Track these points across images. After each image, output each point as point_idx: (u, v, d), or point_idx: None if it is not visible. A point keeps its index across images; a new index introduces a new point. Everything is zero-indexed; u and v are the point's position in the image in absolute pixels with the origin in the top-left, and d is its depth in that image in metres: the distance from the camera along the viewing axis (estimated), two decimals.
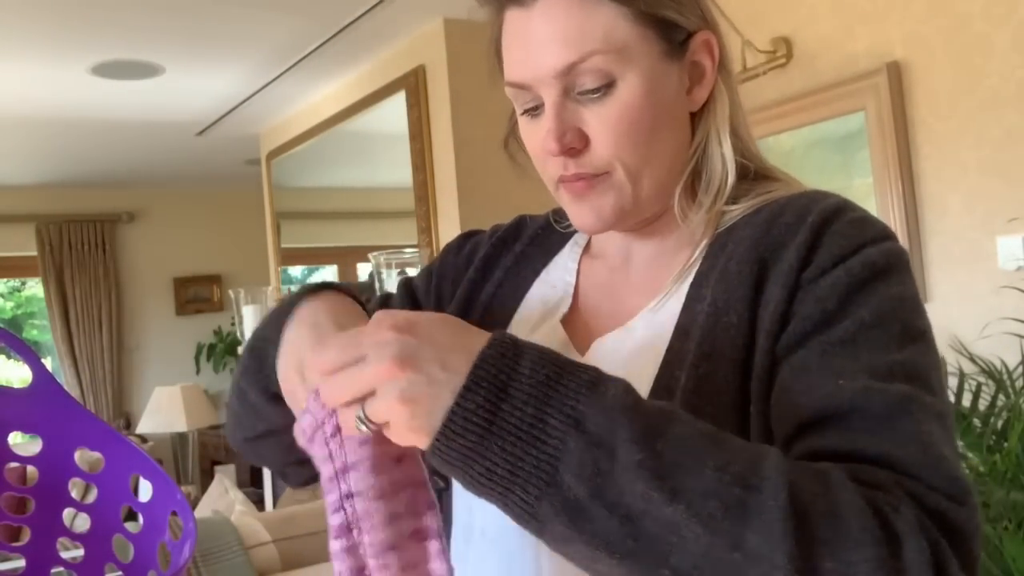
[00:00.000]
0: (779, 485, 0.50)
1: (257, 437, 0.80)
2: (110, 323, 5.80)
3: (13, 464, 0.74)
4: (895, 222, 2.21)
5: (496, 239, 0.88)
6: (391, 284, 2.71)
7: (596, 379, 0.54)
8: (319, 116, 3.91)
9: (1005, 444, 1.75)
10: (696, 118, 0.75)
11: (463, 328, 0.57)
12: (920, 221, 2.21)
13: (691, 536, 0.49)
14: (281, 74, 3.58)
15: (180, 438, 5.51)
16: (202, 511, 3.19)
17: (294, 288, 3.94)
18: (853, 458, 0.56)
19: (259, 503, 3.90)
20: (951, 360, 1.99)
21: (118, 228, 5.98)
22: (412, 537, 0.58)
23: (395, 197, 3.42)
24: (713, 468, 0.51)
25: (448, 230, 3.13)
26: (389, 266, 2.73)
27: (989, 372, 1.94)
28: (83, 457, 0.81)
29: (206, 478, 5.28)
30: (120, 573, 0.72)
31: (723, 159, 0.73)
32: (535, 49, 0.69)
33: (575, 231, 0.85)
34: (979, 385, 1.91)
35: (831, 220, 0.66)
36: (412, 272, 2.74)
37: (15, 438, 0.75)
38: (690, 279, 0.72)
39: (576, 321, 0.78)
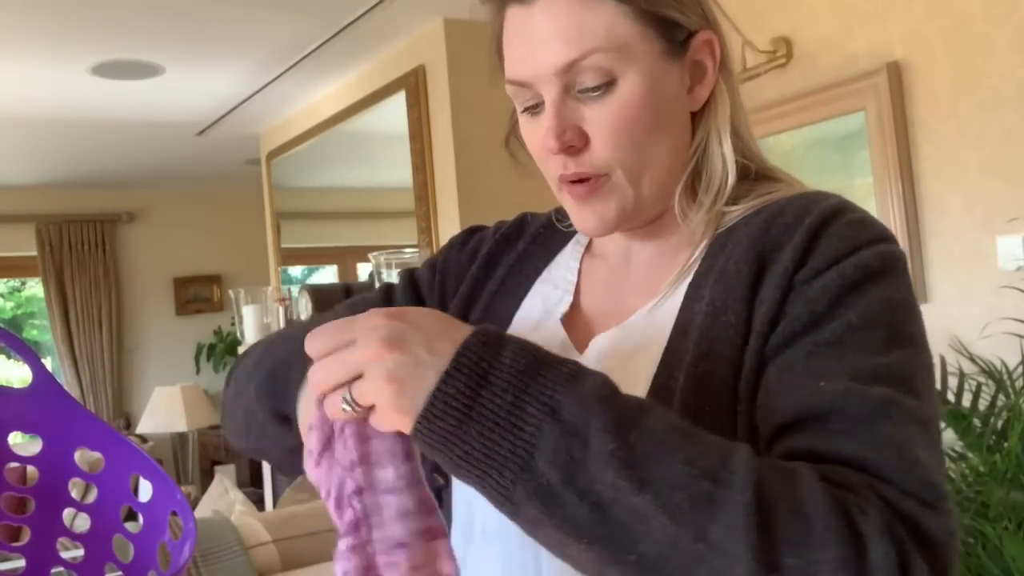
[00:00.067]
0: (746, 480, 0.51)
1: (260, 447, 0.82)
2: (110, 323, 5.80)
3: (13, 464, 0.74)
4: (895, 222, 2.21)
5: (499, 236, 0.88)
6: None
7: (575, 371, 0.55)
8: (319, 116, 3.91)
9: (1005, 444, 1.75)
10: (697, 118, 0.74)
11: (450, 319, 0.59)
12: (920, 221, 2.21)
13: (658, 526, 0.51)
14: (281, 74, 3.58)
15: (180, 438, 5.51)
16: (202, 511, 3.19)
17: (294, 288, 3.90)
18: (829, 459, 0.56)
19: (259, 503, 3.90)
20: (951, 360, 1.99)
21: (118, 228, 5.98)
22: (422, 535, 0.58)
23: (395, 197, 3.43)
24: (682, 461, 0.52)
25: (448, 230, 3.13)
26: (389, 266, 2.74)
27: (989, 372, 1.94)
28: (83, 457, 0.81)
29: (206, 478, 5.28)
30: (120, 573, 0.72)
31: (723, 159, 0.73)
32: (536, 47, 0.69)
33: (577, 230, 0.86)
34: (979, 385, 1.91)
35: (829, 222, 0.66)
36: None
37: (15, 438, 0.75)
38: (689, 279, 0.72)
39: (576, 320, 0.78)
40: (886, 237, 0.67)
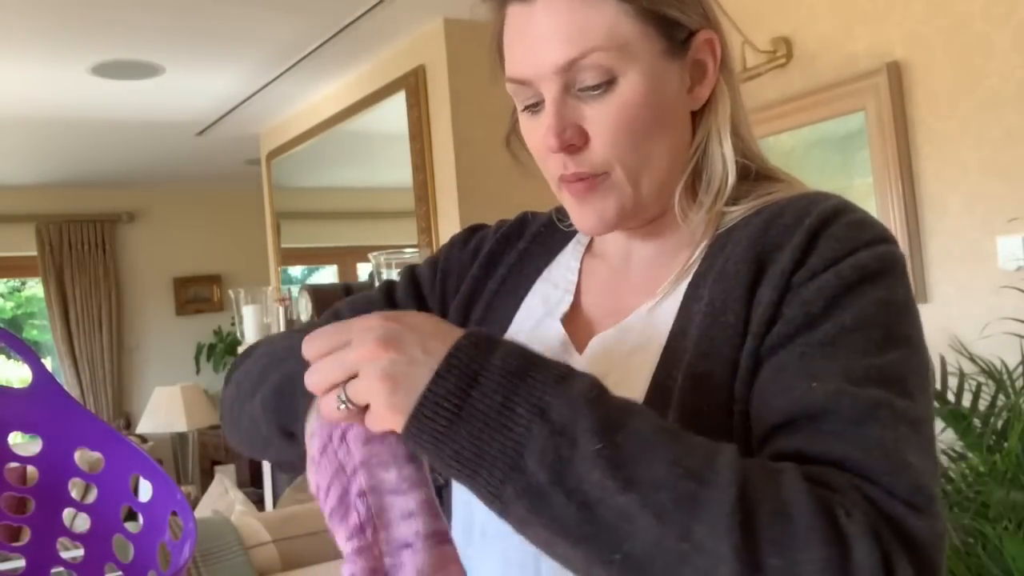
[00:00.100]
0: (730, 481, 0.52)
1: (264, 457, 0.82)
2: (110, 323, 5.80)
3: (13, 464, 0.74)
4: (895, 222, 2.21)
5: (500, 235, 0.88)
6: None
7: (565, 373, 0.56)
8: (319, 116, 3.91)
9: (1005, 444, 1.75)
10: (697, 117, 0.74)
11: (445, 323, 0.60)
12: (920, 221, 2.21)
13: (643, 525, 0.51)
14: (281, 74, 3.58)
15: (180, 438, 5.51)
16: (202, 511, 3.19)
17: (294, 288, 3.89)
18: (818, 460, 0.56)
19: (259, 503, 3.90)
20: (951, 360, 1.99)
21: (118, 228, 5.98)
22: (429, 538, 0.58)
23: (395, 197, 3.43)
24: (667, 461, 0.52)
25: (448, 230, 3.13)
26: (389, 266, 2.74)
27: (989, 372, 1.94)
28: (83, 457, 0.81)
29: (206, 478, 5.28)
30: (120, 573, 0.72)
31: (724, 159, 0.73)
32: (536, 45, 0.69)
33: (577, 229, 0.86)
34: (979, 385, 1.91)
35: (828, 223, 0.66)
36: None
37: (15, 438, 0.75)
38: (689, 279, 0.72)
39: (577, 319, 0.78)
40: (885, 238, 0.66)
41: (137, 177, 5.62)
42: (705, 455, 0.54)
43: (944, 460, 1.89)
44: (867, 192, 2.28)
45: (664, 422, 0.56)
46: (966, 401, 1.91)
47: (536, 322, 0.79)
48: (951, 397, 1.91)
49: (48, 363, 5.60)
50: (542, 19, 0.68)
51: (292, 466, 0.81)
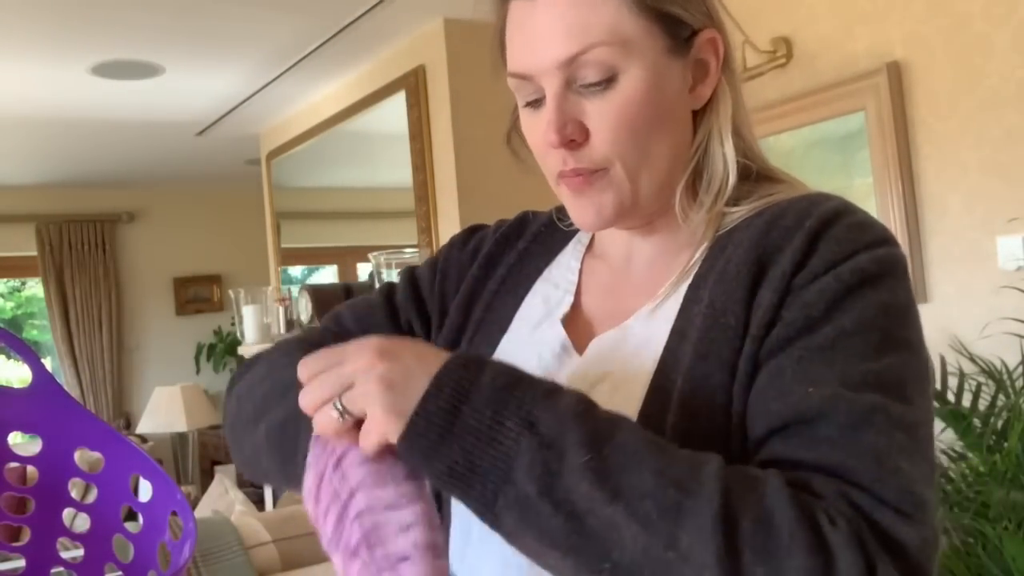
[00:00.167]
0: (714, 490, 0.53)
1: (265, 482, 0.83)
2: (110, 323, 5.80)
3: (13, 464, 0.74)
4: (895, 222, 2.21)
5: (500, 235, 0.88)
6: None
7: (552, 389, 0.58)
8: (319, 116, 3.91)
9: (1005, 444, 1.75)
10: (698, 117, 0.74)
11: (435, 347, 0.63)
12: (920, 221, 2.21)
13: (629, 535, 0.52)
14: (281, 74, 3.58)
15: (180, 438, 5.50)
16: (202, 511, 3.19)
17: (294, 288, 3.88)
18: (809, 466, 0.57)
19: (259, 503, 3.89)
20: (951, 360, 1.99)
21: (118, 228, 5.98)
22: (427, 550, 0.58)
23: (395, 197, 3.42)
24: (653, 472, 0.54)
25: (448, 230, 3.13)
26: (389, 266, 2.74)
27: (989, 372, 1.94)
28: (83, 457, 0.81)
29: (206, 478, 5.28)
30: (120, 573, 0.72)
31: (724, 159, 0.73)
32: (538, 39, 0.69)
33: (578, 229, 0.85)
34: (979, 385, 1.91)
35: (829, 224, 0.66)
36: None
37: (15, 438, 0.75)
38: (689, 280, 0.71)
39: (577, 320, 0.78)
40: (886, 239, 0.66)
41: (137, 177, 5.62)
42: (690, 466, 0.55)
43: (944, 460, 1.89)
44: (867, 192, 2.28)
45: (650, 435, 0.57)
46: (966, 401, 1.91)
47: (536, 323, 0.79)
48: (951, 397, 1.91)
49: (48, 363, 5.60)
50: (544, 14, 0.68)
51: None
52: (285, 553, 2.21)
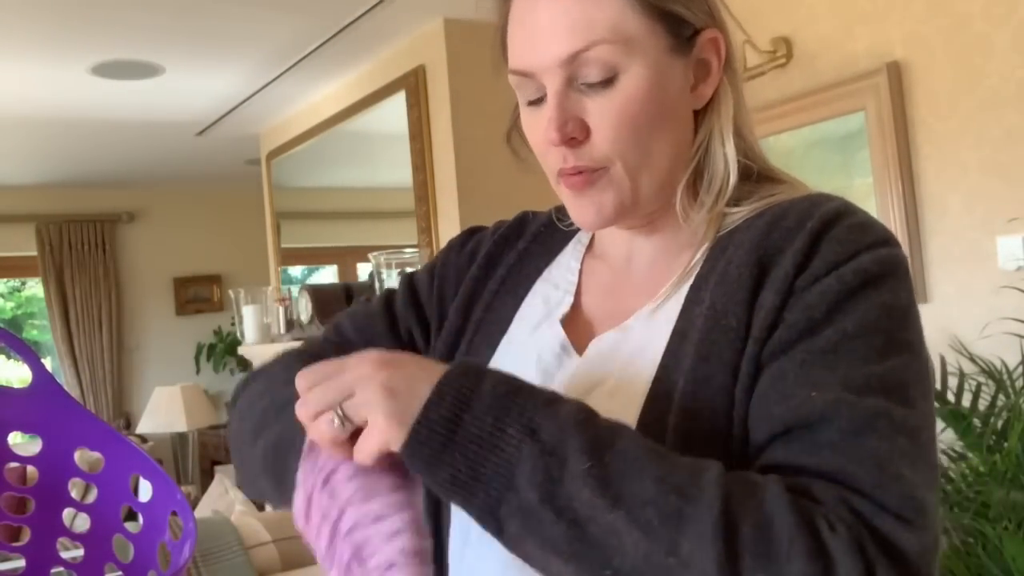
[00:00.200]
0: (715, 496, 0.53)
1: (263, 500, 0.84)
2: (110, 323, 5.80)
3: (13, 464, 0.74)
4: (895, 222, 2.21)
5: (499, 236, 0.87)
6: (391, 284, 2.71)
7: (552, 397, 0.59)
8: (319, 116, 3.91)
9: (1005, 444, 1.75)
10: (700, 116, 0.74)
11: (433, 359, 0.64)
12: (920, 221, 2.21)
13: (631, 541, 0.53)
14: (281, 74, 3.58)
15: (180, 438, 5.50)
16: (202, 511, 3.19)
17: (294, 288, 3.87)
18: (811, 471, 0.57)
19: (259, 503, 3.90)
20: (951, 360, 1.99)
21: (118, 228, 5.98)
22: (415, 555, 0.58)
23: (395, 197, 3.42)
24: (654, 479, 0.54)
25: (448, 230, 3.13)
26: (389, 266, 2.74)
27: (989, 372, 1.94)
28: (83, 457, 0.81)
29: (206, 478, 5.28)
30: (120, 573, 0.72)
31: (725, 159, 0.72)
32: (541, 37, 0.68)
33: (578, 229, 0.85)
34: (979, 385, 1.91)
35: (830, 225, 0.66)
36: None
37: (15, 438, 0.75)
38: (690, 281, 0.71)
39: (577, 321, 0.78)
40: (888, 240, 0.66)
41: (137, 177, 5.61)
42: (690, 472, 0.55)
43: (944, 460, 1.89)
44: (867, 192, 2.28)
45: (651, 442, 0.57)
46: (966, 401, 1.91)
47: (536, 323, 0.79)
48: (951, 397, 1.91)
49: (48, 363, 5.60)
50: (547, 11, 0.68)
51: None
52: (285, 553, 2.21)
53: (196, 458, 5.49)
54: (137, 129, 4.34)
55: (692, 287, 0.71)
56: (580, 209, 0.72)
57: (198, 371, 6.10)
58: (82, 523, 0.74)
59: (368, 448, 0.59)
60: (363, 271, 4.18)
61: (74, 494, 0.76)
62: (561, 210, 0.86)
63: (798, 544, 0.52)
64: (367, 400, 0.58)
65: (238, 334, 3.57)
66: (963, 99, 2.11)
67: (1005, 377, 1.92)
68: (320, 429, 0.60)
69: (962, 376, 1.93)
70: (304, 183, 4.37)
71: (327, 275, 5.00)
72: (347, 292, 3.22)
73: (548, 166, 0.73)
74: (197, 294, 6.23)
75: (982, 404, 1.90)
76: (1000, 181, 2.05)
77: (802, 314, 0.63)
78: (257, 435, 0.75)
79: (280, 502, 0.72)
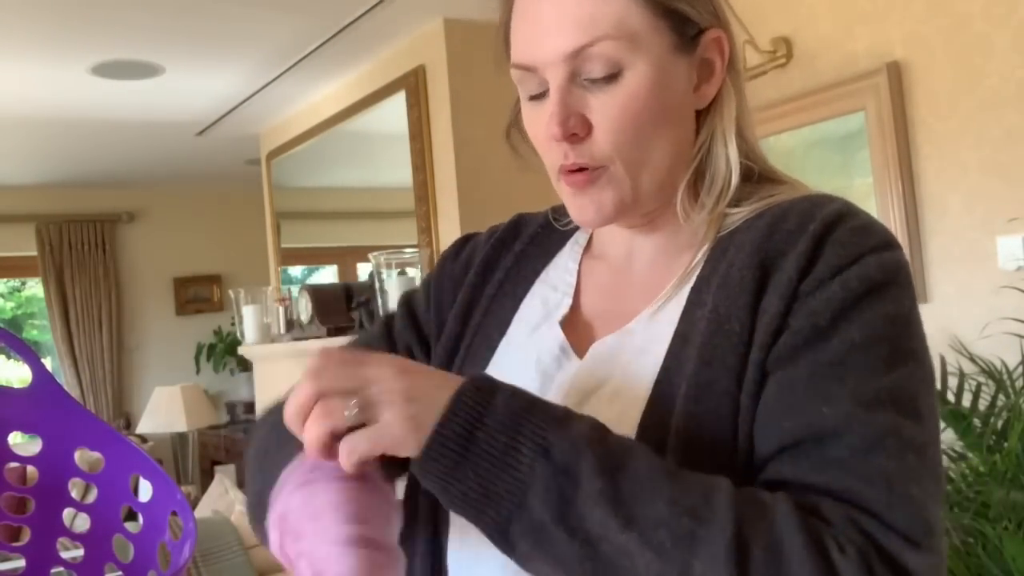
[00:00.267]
0: (727, 518, 0.53)
1: None
2: (110, 323, 5.80)
3: (13, 464, 0.74)
4: (895, 222, 2.21)
5: (495, 240, 0.87)
6: (391, 284, 2.71)
7: (565, 415, 0.58)
8: (319, 116, 3.91)
9: (1005, 444, 1.75)
10: (702, 116, 0.74)
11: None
12: (920, 221, 2.21)
13: (643, 562, 0.53)
14: (281, 74, 3.58)
15: (180, 438, 5.50)
16: (202, 511, 3.19)
17: (294, 288, 3.87)
18: (820, 489, 0.57)
19: None
20: (951, 360, 1.99)
21: (118, 228, 5.98)
22: (363, 543, 0.57)
23: (395, 197, 3.42)
24: (666, 500, 0.54)
25: (448, 230, 3.13)
26: (389, 266, 2.74)
27: (989, 372, 1.94)
28: (83, 457, 0.81)
29: (206, 478, 5.28)
30: (120, 573, 0.72)
31: (728, 160, 0.72)
32: (545, 30, 0.68)
33: (575, 229, 0.85)
34: (979, 385, 1.91)
35: (832, 228, 0.65)
36: (412, 272, 2.75)
37: (15, 438, 0.75)
38: (691, 283, 0.71)
39: (576, 322, 0.77)
40: (890, 243, 0.66)
41: (137, 177, 5.61)
42: (702, 493, 0.55)
43: (944, 460, 1.89)
44: (867, 192, 2.28)
45: (662, 461, 0.58)
46: (966, 401, 1.91)
47: (535, 325, 0.79)
48: (951, 397, 1.91)
49: (48, 363, 5.60)
50: (551, 6, 0.68)
51: None
52: None
53: (196, 458, 5.49)
54: (137, 129, 4.34)
55: (693, 289, 0.70)
56: (580, 207, 0.72)
57: (198, 371, 6.10)
58: (82, 523, 0.74)
59: (365, 447, 0.58)
60: (363, 271, 4.18)
61: (74, 494, 0.76)
62: (558, 210, 0.85)
63: (808, 565, 0.52)
64: (384, 400, 0.58)
65: (238, 334, 3.57)
66: (963, 99, 2.11)
67: (1005, 377, 1.92)
68: (329, 409, 0.58)
69: (962, 376, 1.93)
70: (304, 183, 4.37)
71: (327, 275, 5.00)
72: (347, 292, 3.21)
73: (549, 162, 0.73)
74: (197, 294, 6.23)
75: (982, 404, 1.90)
76: (1000, 181, 2.05)
77: (807, 320, 0.62)
78: (252, 481, 0.77)
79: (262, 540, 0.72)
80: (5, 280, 6.14)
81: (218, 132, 4.46)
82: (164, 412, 5.00)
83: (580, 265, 0.82)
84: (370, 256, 2.81)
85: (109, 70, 3.38)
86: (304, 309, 3.20)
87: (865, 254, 0.64)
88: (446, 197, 3.14)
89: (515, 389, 0.60)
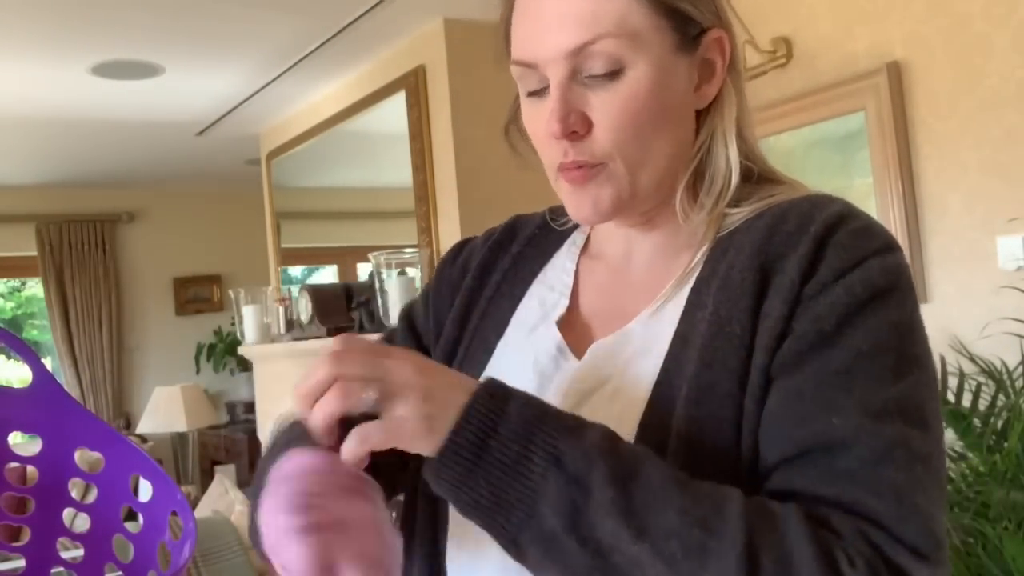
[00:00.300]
0: (738, 529, 0.54)
1: None
2: (110, 323, 5.80)
3: (13, 464, 0.74)
4: (895, 222, 2.21)
5: (492, 242, 0.87)
6: (391, 284, 2.71)
7: (577, 423, 0.59)
8: (319, 116, 3.91)
9: (1005, 444, 1.75)
10: (701, 116, 0.74)
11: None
12: (920, 221, 2.21)
13: (653, 573, 0.54)
14: (281, 74, 3.58)
15: (180, 438, 5.50)
16: (202, 511, 3.19)
17: (294, 288, 3.88)
18: (829, 501, 0.57)
19: None
20: (951, 360, 1.99)
21: (118, 228, 5.98)
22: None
23: (395, 197, 3.42)
24: (678, 510, 0.55)
25: (448, 230, 3.13)
26: (389, 266, 2.74)
27: (989, 372, 1.94)
28: (83, 457, 0.81)
29: (206, 478, 5.28)
30: (120, 573, 0.72)
31: (728, 160, 0.72)
32: (546, 27, 0.68)
33: (572, 229, 0.85)
34: (979, 385, 1.91)
35: (833, 230, 0.65)
36: (412, 272, 2.75)
37: (15, 438, 0.75)
38: (690, 284, 0.71)
39: (574, 323, 0.77)
40: (890, 246, 0.66)
41: (137, 177, 5.61)
42: (713, 504, 0.55)
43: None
44: (867, 192, 2.28)
45: (673, 470, 0.58)
46: (966, 401, 1.91)
47: (532, 326, 0.78)
48: (951, 397, 1.91)
49: (48, 363, 5.60)
50: (554, 2, 0.68)
51: None
52: None
53: (196, 458, 5.49)
54: (137, 129, 4.34)
55: (693, 290, 0.70)
56: (577, 203, 0.72)
57: (198, 371, 6.10)
58: (82, 523, 0.74)
59: (379, 438, 0.58)
60: (363, 271, 4.18)
61: (74, 494, 0.76)
62: (555, 210, 0.85)
63: None
64: (401, 394, 0.58)
65: (238, 334, 3.58)
66: (963, 99, 2.11)
67: (1005, 377, 1.92)
68: (348, 390, 0.58)
69: (962, 376, 1.93)
70: (304, 183, 4.37)
71: (327, 275, 5.00)
72: (347, 292, 3.22)
73: (547, 159, 0.73)
74: (197, 294, 6.22)
75: (982, 404, 1.90)
76: (1000, 181, 2.05)
77: (812, 325, 0.62)
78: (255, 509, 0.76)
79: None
80: (5, 280, 6.14)
81: (218, 132, 4.46)
82: (164, 412, 5.00)
83: (578, 265, 0.81)
84: (370, 256, 2.81)
85: (109, 70, 3.38)
86: (304, 309, 3.20)
87: (868, 257, 0.64)
88: (446, 197, 3.14)
89: (528, 397, 0.60)
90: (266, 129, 4.47)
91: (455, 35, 3.08)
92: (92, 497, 0.74)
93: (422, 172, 3.21)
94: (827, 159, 2.43)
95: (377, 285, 2.76)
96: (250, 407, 5.09)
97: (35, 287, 6.09)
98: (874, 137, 2.27)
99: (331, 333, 3.21)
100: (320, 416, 0.59)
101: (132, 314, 6.00)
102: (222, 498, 3.25)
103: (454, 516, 0.74)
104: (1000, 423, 1.84)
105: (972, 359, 1.99)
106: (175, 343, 6.10)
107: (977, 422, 1.87)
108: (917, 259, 2.20)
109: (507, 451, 0.57)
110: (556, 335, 0.76)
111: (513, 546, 0.57)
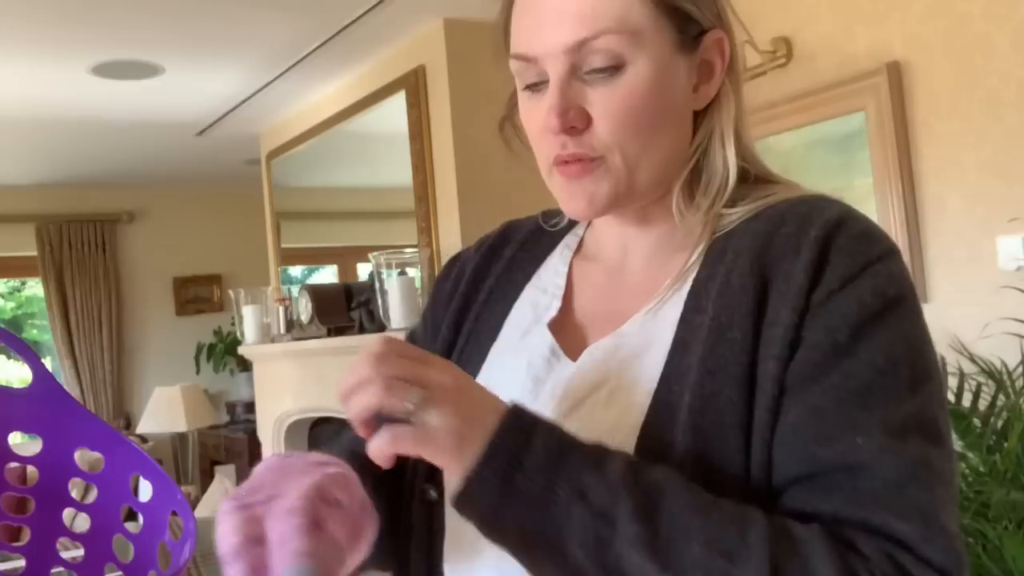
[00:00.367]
0: (762, 558, 0.54)
1: None
2: (110, 323, 5.80)
3: (13, 464, 0.74)
4: (895, 222, 2.21)
5: (485, 248, 0.87)
6: (391, 284, 2.72)
7: (601, 455, 0.59)
8: (319, 116, 3.91)
9: (1005, 444, 1.75)
10: (699, 117, 0.74)
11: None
12: (920, 221, 2.21)
13: None
14: (281, 74, 3.58)
15: (180, 438, 5.50)
16: (202, 511, 3.19)
17: (294, 288, 3.88)
18: (854, 522, 0.57)
19: None
20: (951, 360, 1.99)
21: (118, 228, 5.98)
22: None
23: (395, 197, 3.42)
24: (702, 542, 0.55)
25: (448, 230, 3.13)
26: (389, 266, 2.74)
27: (989, 372, 1.94)
28: (83, 457, 0.81)
29: (206, 478, 5.28)
30: (120, 573, 0.72)
31: (725, 161, 0.72)
32: (547, 22, 0.68)
33: (565, 231, 0.84)
34: (979, 385, 1.91)
35: (835, 234, 0.65)
36: (412, 272, 2.75)
37: (15, 438, 0.75)
38: (687, 286, 0.70)
39: (568, 325, 0.77)
40: (892, 249, 0.66)
41: (137, 177, 5.61)
42: (737, 532, 0.56)
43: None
44: (867, 192, 2.28)
45: (694, 494, 0.58)
46: (966, 401, 1.91)
47: (525, 329, 0.78)
48: (951, 397, 1.91)
49: (48, 363, 5.60)
50: None
51: None
52: None
53: (196, 458, 5.49)
54: (137, 129, 4.34)
55: (691, 293, 0.69)
56: (572, 198, 0.71)
57: (198, 371, 6.10)
58: (82, 523, 0.74)
59: (409, 444, 0.58)
60: (363, 271, 4.18)
61: (74, 494, 0.76)
62: (548, 212, 0.85)
63: None
64: (438, 407, 0.58)
65: (238, 334, 3.58)
66: (963, 99, 2.11)
67: (1005, 377, 1.92)
68: (392, 387, 0.58)
69: (962, 376, 1.93)
70: (304, 183, 4.37)
71: (327, 275, 5.00)
72: (347, 292, 3.22)
73: (543, 154, 0.72)
74: (197, 294, 6.22)
75: (982, 404, 1.90)
76: (1000, 181, 2.05)
77: (825, 336, 0.62)
78: None
79: None
80: (5, 280, 6.14)
81: (218, 132, 4.46)
82: (164, 412, 5.00)
83: (571, 267, 0.81)
84: (370, 256, 2.81)
85: (109, 70, 3.38)
86: (304, 309, 3.20)
87: (872, 262, 0.64)
88: (446, 197, 3.14)
89: (552, 427, 0.60)
90: (266, 129, 4.47)
91: (455, 35, 3.08)
92: (92, 497, 0.74)
93: (422, 172, 3.21)
94: (827, 159, 2.43)
95: (377, 285, 2.76)
96: (250, 407, 5.09)
97: (35, 287, 6.09)
98: (874, 137, 2.27)
99: (331, 333, 3.21)
100: (359, 406, 0.59)
101: (132, 314, 6.00)
102: (222, 498, 3.25)
103: (449, 518, 0.74)
104: (1000, 423, 1.84)
105: (972, 359, 1.99)
106: (175, 343, 6.10)
107: (977, 422, 1.87)
108: (917, 259, 2.20)
109: (532, 485, 0.57)
110: (548, 337, 0.76)
111: None
